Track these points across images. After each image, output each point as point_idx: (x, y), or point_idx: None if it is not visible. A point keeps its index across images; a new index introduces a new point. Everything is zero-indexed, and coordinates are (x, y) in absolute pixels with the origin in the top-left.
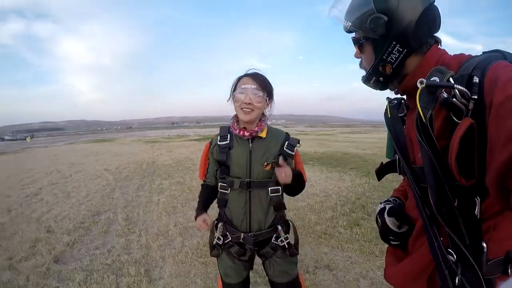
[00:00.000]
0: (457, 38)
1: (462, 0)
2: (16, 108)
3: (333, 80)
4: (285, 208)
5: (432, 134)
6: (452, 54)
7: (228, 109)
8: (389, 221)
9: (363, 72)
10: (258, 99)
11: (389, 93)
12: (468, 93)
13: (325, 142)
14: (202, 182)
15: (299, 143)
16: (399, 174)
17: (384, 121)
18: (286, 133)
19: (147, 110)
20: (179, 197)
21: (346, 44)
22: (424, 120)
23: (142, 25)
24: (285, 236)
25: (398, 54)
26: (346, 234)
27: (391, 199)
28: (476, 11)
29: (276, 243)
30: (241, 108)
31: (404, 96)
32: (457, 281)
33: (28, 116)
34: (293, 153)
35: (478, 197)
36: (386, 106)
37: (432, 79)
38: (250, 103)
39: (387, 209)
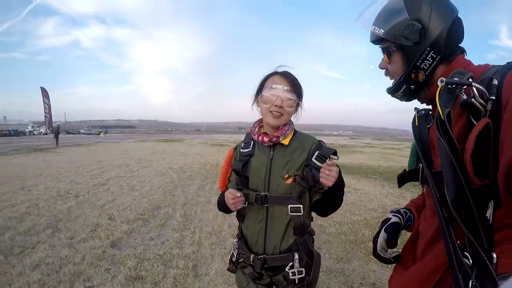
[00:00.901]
0: None
1: None
2: (93, 105)
3: None
4: (309, 233)
5: (451, 132)
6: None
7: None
8: (381, 237)
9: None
10: (289, 103)
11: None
12: (487, 93)
13: (391, 156)
14: (221, 192)
15: (336, 154)
16: (421, 183)
17: (412, 130)
18: (320, 140)
19: (216, 114)
20: None
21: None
22: (442, 117)
23: (214, 30)
24: (300, 269)
25: (431, 61)
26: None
27: (401, 211)
28: None
29: (289, 273)
30: (270, 111)
31: (431, 107)
32: (470, 285)
33: (103, 113)
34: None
35: (491, 201)
36: (414, 115)
37: (453, 79)
38: (281, 107)
39: (389, 222)
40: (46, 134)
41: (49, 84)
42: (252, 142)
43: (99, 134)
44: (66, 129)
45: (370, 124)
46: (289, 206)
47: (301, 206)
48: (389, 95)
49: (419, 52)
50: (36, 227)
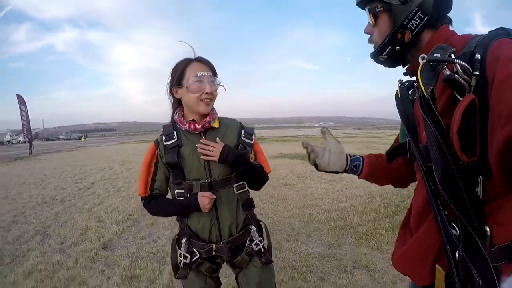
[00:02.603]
0: None
1: None
2: (71, 110)
3: (383, 81)
4: (254, 206)
5: (435, 110)
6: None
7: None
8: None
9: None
10: (215, 87)
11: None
12: (470, 69)
13: (373, 144)
14: (146, 196)
15: (254, 132)
16: (410, 158)
17: (395, 102)
18: (240, 122)
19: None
20: None
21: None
22: (426, 95)
23: (190, 31)
24: (259, 238)
25: (419, 21)
26: (388, 236)
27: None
28: None
29: (251, 247)
30: (201, 99)
31: (414, 78)
32: (457, 255)
33: (82, 117)
34: (252, 142)
35: (480, 177)
36: (397, 88)
37: (434, 55)
38: (211, 93)
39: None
40: (24, 142)
41: (26, 91)
42: (175, 132)
43: (80, 138)
44: (45, 135)
45: (350, 114)
46: (233, 185)
47: (244, 182)
48: (372, 60)
49: (407, 11)
50: (25, 235)
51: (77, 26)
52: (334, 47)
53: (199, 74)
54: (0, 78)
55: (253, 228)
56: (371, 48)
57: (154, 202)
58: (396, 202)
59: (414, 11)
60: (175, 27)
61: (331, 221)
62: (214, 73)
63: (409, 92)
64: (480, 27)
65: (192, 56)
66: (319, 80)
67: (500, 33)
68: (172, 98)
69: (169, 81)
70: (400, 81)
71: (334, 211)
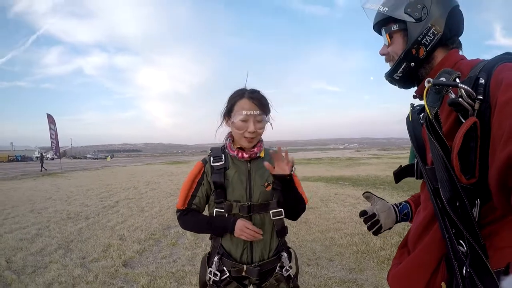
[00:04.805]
0: None
1: None
2: (99, 131)
3: (407, 100)
4: (287, 233)
5: (440, 131)
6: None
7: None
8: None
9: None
10: (261, 125)
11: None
12: (474, 93)
13: (398, 165)
14: (183, 209)
15: (294, 165)
16: (416, 178)
17: (406, 125)
18: None
19: (221, 134)
20: None
21: None
22: (430, 117)
23: (214, 55)
24: (289, 264)
25: (432, 37)
26: None
27: (397, 203)
28: None
29: (281, 273)
30: (244, 136)
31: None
32: (464, 272)
33: (109, 137)
34: (292, 173)
35: (478, 200)
36: (409, 111)
37: (440, 79)
38: (254, 131)
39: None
40: (53, 159)
41: (55, 111)
42: (223, 156)
43: (106, 158)
44: (72, 154)
45: (375, 135)
46: (270, 211)
47: (282, 209)
48: (388, 81)
49: (421, 28)
50: (48, 247)
51: (105, 51)
52: (356, 68)
53: (244, 113)
54: (30, 97)
55: (285, 254)
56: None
57: (190, 216)
58: None
59: (428, 28)
60: (200, 50)
61: (354, 245)
62: (263, 111)
63: (420, 116)
64: (501, 39)
65: (247, 87)
66: (342, 102)
67: (505, 58)
68: (225, 125)
69: (224, 107)
70: (412, 105)
71: (357, 234)
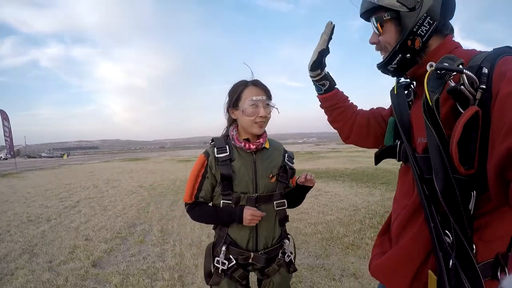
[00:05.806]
0: (488, 43)
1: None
2: (54, 127)
3: (367, 94)
4: (288, 221)
5: (439, 119)
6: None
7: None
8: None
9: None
10: (269, 110)
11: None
12: (477, 81)
13: (357, 158)
14: (191, 203)
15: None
16: (398, 160)
17: (390, 99)
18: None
19: (179, 130)
20: None
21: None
22: (430, 103)
23: (174, 48)
24: (291, 250)
25: (428, 27)
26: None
27: None
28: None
29: (283, 259)
30: (256, 122)
31: (414, 82)
32: (450, 264)
33: (64, 134)
34: (293, 165)
35: (474, 192)
36: (394, 85)
37: (443, 64)
38: (265, 116)
39: None
40: (6, 159)
41: (9, 106)
42: (227, 147)
43: (62, 156)
44: (27, 153)
45: (333, 129)
46: (274, 202)
47: (285, 200)
48: (380, 71)
49: (416, 18)
50: (12, 253)
51: (62, 42)
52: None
53: (254, 98)
54: None
55: (287, 242)
56: (352, 63)
57: (198, 209)
58: (381, 212)
59: (423, 17)
60: (160, 44)
61: (318, 233)
62: (269, 96)
63: (405, 92)
64: (459, 40)
65: (249, 78)
66: (303, 97)
67: (506, 51)
68: (227, 116)
69: (226, 101)
70: (397, 79)
71: (321, 223)
